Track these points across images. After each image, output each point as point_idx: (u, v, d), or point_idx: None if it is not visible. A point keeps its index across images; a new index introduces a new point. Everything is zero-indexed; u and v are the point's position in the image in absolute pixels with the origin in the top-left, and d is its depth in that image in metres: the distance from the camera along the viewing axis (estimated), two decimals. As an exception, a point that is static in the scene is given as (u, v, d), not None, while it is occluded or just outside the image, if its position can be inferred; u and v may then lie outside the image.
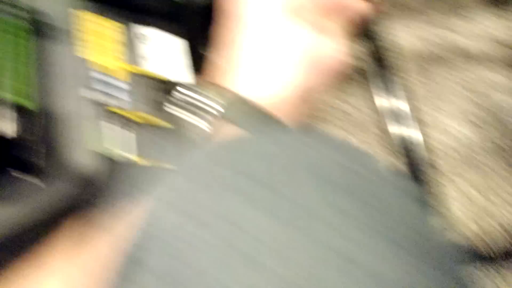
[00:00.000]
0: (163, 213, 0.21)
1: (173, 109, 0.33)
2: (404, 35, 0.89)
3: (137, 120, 0.44)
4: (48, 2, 0.44)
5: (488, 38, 0.87)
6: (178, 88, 0.34)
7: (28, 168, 0.38)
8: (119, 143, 0.42)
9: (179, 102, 0.34)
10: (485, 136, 0.81)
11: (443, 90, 0.85)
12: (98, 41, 0.45)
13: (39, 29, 0.42)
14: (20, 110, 0.38)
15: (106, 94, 0.44)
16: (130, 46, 0.47)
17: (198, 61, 0.55)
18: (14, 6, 0.41)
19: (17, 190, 0.38)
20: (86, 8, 0.45)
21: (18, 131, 0.38)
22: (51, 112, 0.40)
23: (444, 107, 0.84)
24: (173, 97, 0.35)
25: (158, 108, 0.46)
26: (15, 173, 0.38)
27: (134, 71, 0.46)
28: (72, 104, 0.42)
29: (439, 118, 0.84)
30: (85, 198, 0.40)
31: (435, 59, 0.87)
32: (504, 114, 0.78)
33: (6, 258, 0.45)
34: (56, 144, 0.40)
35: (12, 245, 0.44)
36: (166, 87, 0.49)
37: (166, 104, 0.35)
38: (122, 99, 0.44)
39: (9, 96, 0.37)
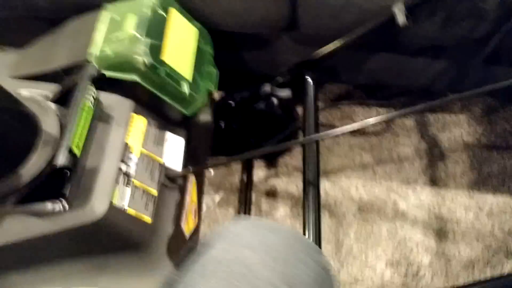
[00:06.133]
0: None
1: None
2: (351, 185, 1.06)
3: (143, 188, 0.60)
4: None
5: (423, 207, 1.05)
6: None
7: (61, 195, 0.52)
8: (137, 204, 0.60)
9: None
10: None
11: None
12: (135, 131, 0.65)
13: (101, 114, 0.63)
14: (71, 153, 0.54)
15: (127, 164, 0.60)
16: (148, 136, 0.67)
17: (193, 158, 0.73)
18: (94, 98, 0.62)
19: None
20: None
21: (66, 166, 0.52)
22: (87, 165, 0.58)
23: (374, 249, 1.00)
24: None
25: (152, 180, 0.64)
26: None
27: (144, 152, 0.64)
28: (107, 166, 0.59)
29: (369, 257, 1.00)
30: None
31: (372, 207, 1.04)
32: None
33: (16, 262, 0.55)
34: (84, 187, 0.55)
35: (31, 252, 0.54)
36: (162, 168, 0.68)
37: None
38: (132, 168, 0.62)
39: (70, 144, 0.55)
